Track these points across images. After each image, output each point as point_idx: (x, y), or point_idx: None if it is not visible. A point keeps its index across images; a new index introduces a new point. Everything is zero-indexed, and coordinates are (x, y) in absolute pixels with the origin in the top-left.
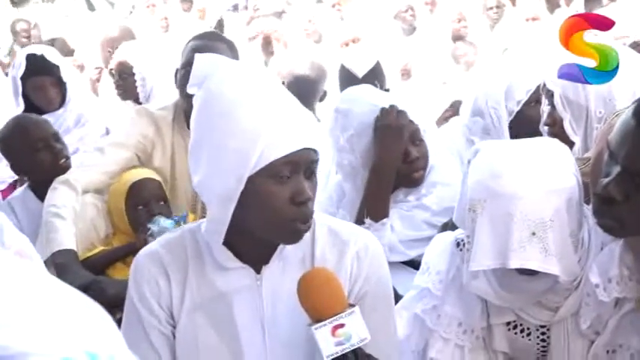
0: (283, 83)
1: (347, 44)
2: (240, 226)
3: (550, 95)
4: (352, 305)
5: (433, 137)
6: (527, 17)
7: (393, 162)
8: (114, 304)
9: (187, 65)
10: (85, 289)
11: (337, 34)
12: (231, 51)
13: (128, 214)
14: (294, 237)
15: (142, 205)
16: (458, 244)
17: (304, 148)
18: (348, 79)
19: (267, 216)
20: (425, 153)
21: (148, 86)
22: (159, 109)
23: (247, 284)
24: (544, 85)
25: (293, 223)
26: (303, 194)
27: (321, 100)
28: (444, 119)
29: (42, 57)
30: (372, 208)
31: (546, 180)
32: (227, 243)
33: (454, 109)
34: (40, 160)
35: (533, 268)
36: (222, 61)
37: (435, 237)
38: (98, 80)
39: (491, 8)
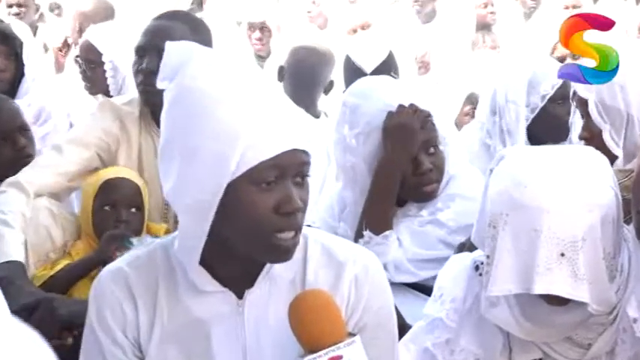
0: (282, 68)
1: (355, 31)
2: (218, 242)
3: (583, 104)
4: (352, 334)
5: (454, 144)
6: (566, 4)
7: (400, 166)
8: (66, 326)
9: (138, 51)
10: (32, 308)
11: (345, 18)
12: (196, 34)
13: (93, 215)
14: (281, 253)
15: (109, 205)
16: (477, 268)
17: (292, 150)
18: (354, 73)
19: (249, 229)
20: (440, 164)
21: (120, 77)
22: (124, 103)
23: (227, 311)
24: (574, 93)
25: (278, 237)
26: (291, 203)
27: (326, 91)
28: (464, 115)
29: (7, 26)
30: (372, 218)
31: (579, 192)
32: (204, 262)
33: (473, 103)
34: None
35: (559, 294)
36: (197, 51)
37: (449, 259)
38: (61, 52)
39: None
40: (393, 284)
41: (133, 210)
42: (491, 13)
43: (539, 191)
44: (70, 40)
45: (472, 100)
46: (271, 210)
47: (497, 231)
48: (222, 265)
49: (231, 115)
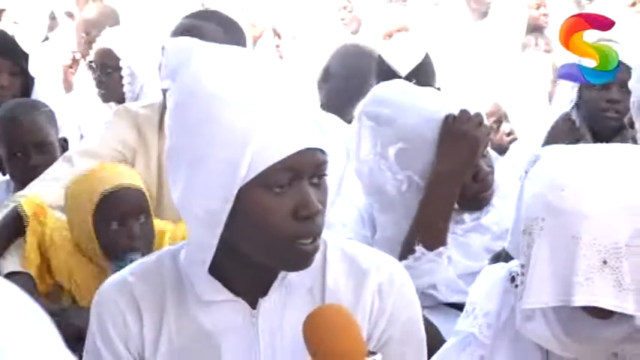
0: (327, 70)
1: (391, 35)
2: (230, 250)
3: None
4: (373, 353)
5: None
6: (628, 2)
7: (461, 176)
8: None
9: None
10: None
11: (381, 22)
12: (228, 35)
13: (98, 235)
14: (301, 261)
15: (116, 221)
16: (512, 279)
17: (306, 149)
18: (387, 77)
19: (265, 237)
20: (492, 166)
21: (138, 84)
22: (142, 107)
23: (240, 322)
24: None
25: (297, 243)
26: (309, 206)
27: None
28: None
29: (11, 39)
30: (427, 232)
31: (621, 195)
32: (214, 270)
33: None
34: (9, 168)
35: (602, 306)
36: (200, 46)
37: (482, 270)
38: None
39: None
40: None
41: (142, 219)
42: (544, 15)
43: (577, 194)
44: (77, 56)
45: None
46: (288, 215)
47: (532, 238)
48: (234, 274)
49: (239, 117)
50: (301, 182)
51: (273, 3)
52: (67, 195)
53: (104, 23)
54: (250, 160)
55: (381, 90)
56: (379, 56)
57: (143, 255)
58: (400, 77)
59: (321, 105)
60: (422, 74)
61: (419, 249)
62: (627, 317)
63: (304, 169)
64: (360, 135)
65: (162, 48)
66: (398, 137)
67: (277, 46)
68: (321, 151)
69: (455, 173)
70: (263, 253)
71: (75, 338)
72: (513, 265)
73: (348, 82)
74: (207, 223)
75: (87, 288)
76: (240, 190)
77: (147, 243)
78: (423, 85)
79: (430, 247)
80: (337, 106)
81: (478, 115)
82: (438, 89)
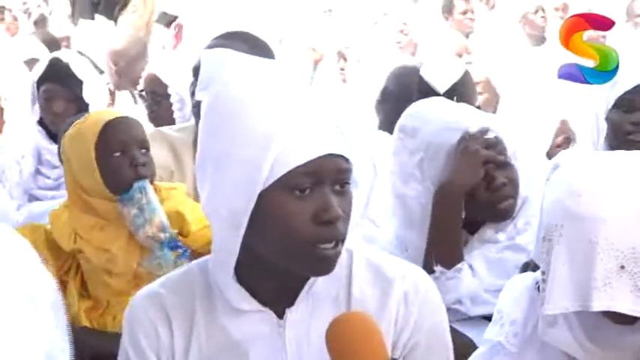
0: (383, 91)
1: None
2: (255, 258)
3: None
4: (394, 359)
5: (527, 162)
6: None
7: (462, 190)
8: (96, 357)
9: (195, 71)
10: None
11: (440, 45)
12: (254, 51)
13: (101, 167)
14: (322, 265)
15: (119, 151)
16: (539, 288)
17: (328, 155)
18: (426, 94)
19: (285, 240)
20: (514, 179)
21: (188, 109)
22: (177, 130)
23: (267, 332)
24: None
25: (317, 248)
26: (330, 211)
27: None
28: (556, 147)
29: (66, 65)
30: (439, 250)
31: (638, 198)
32: (242, 280)
33: (565, 132)
34: None
35: (621, 311)
36: (231, 57)
37: (511, 279)
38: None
39: (638, 15)
40: (471, 317)
41: (144, 150)
42: (602, 37)
43: (594, 199)
44: (111, 87)
45: (565, 130)
46: (309, 219)
47: (552, 244)
48: (261, 283)
49: (263, 121)
50: (323, 188)
51: (337, 27)
52: (67, 136)
53: (132, 52)
54: (272, 162)
55: (414, 105)
56: (419, 75)
57: (151, 182)
58: (439, 94)
59: (380, 126)
60: (461, 92)
61: (437, 268)
62: None
63: (326, 175)
64: (393, 149)
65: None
66: (419, 148)
67: (342, 69)
68: (345, 158)
69: (456, 187)
70: (284, 257)
71: (88, 357)
72: (540, 273)
73: (400, 102)
74: (230, 224)
75: (92, 240)
76: (263, 193)
77: (151, 172)
78: (462, 102)
79: (447, 264)
80: (393, 126)
81: (483, 130)
82: (478, 107)
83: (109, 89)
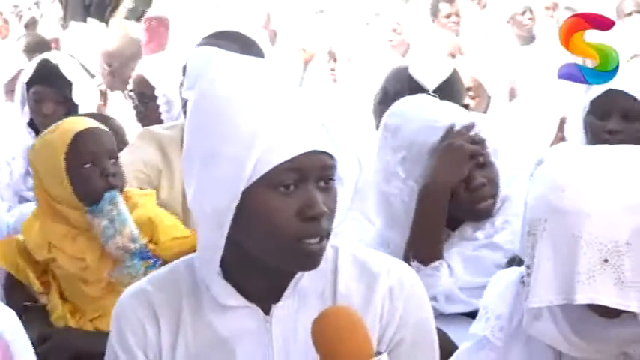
0: (382, 91)
1: None
2: (241, 255)
3: None
4: (379, 353)
5: (508, 161)
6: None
7: (447, 186)
8: (80, 356)
9: (184, 70)
10: (46, 338)
11: (431, 45)
12: (244, 50)
13: (71, 178)
14: (307, 260)
15: (89, 162)
16: (524, 282)
17: (313, 152)
18: (415, 92)
19: (269, 236)
20: (494, 178)
21: (175, 111)
22: (166, 128)
23: (254, 327)
24: None
25: (302, 243)
26: (314, 207)
27: None
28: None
29: (55, 66)
30: (420, 247)
31: (622, 193)
32: (228, 276)
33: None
34: None
35: (604, 304)
36: (218, 55)
37: (496, 274)
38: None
39: (629, 14)
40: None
41: (113, 161)
42: None
43: (577, 194)
44: (103, 88)
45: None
46: (294, 216)
47: (535, 239)
48: (247, 279)
49: (248, 118)
50: (307, 184)
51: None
52: (35, 147)
53: (125, 53)
54: (256, 160)
55: (397, 103)
56: (408, 73)
57: (121, 192)
58: (427, 92)
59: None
60: (449, 90)
61: (414, 264)
62: (635, 316)
63: (310, 171)
64: (377, 147)
65: (184, 67)
66: (402, 146)
67: (332, 70)
68: (329, 155)
69: (441, 185)
70: (270, 253)
71: (72, 355)
72: (524, 268)
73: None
74: (214, 222)
75: (65, 249)
76: (248, 190)
77: (121, 182)
78: (450, 100)
79: (425, 261)
80: None
81: (468, 126)
82: (466, 106)
83: (101, 90)
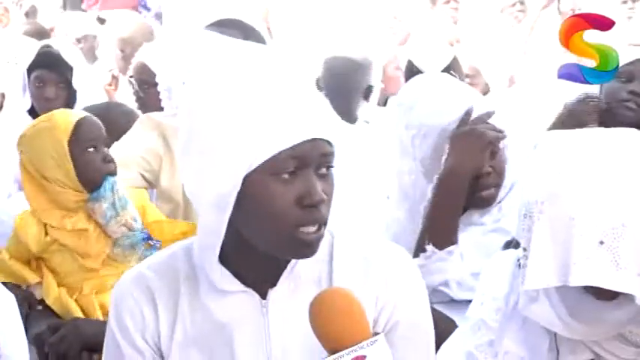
0: (318, 79)
1: None
2: (239, 241)
3: None
4: (376, 333)
5: (516, 148)
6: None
7: (467, 172)
8: (90, 346)
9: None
10: (56, 328)
11: (430, 33)
12: (249, 39)
13: (75, 162)
14: (304, 248)
15: (92, 147)
16: (520, 265)
17: (313, 139)
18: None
19: (269, 223)
20: (501, 168)
21: (175, 100)
22: (167, 115)
23: (251, 312)
24: None
25: (300, 231)
26: (313, 195)
27: (365, 97)
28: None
29: (56, 52)
30: (436, 230)
31: (617, 175)
32: (226, 262)
33: None
34: None
35: (599, 285)
36: (216, 41)
37: (492, 256)
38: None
39: (625, 2)
40: (457, 301)
41: (107, 150)
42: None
43: (573, 176)
44: (116, 72)
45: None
46: (292, 203)
47: (532, 221)
48: (245, 265)
49: (249, 105)
50: (307, 171)
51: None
52: (28, 136)
53: (139, 40)
54: (257, 147)
55: (416, 78)
56: (408, 60)
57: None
58: None
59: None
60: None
61: (429, 248)
62: (631, 298)
63: (310, 159)
64: (392, 122)
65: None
66: (413, 124)
67: None
68: (328, 142)
69: (461, 169)
70: (268, 240)
71: (83, 345)
72: (522, 250)
73: (332, 87)
74: (216, 207)
75: (65, 226)
76: (248, 176)
77: (116, 170)
78: None
79: (440, 245)
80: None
81: (489, 113)
82: None
83: (113, 75)
